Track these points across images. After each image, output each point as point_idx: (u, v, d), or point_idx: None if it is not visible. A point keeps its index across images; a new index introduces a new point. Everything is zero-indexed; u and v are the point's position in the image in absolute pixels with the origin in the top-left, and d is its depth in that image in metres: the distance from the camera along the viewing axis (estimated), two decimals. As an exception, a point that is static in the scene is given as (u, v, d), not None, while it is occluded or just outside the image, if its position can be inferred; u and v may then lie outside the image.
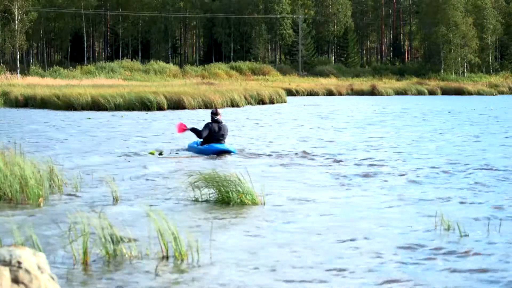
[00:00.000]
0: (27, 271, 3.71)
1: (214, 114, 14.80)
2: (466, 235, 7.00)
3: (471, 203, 8.87)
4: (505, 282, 5.50)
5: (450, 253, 6.37)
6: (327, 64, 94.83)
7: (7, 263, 3.71)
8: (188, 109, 34.35)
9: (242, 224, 7.65)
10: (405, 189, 9.98)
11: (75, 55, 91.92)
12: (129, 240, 6.25)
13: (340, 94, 64.05)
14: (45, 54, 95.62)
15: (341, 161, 13.43)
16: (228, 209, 8.39)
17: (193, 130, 15.02)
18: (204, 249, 6.28)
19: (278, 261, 6.07)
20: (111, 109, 33.47)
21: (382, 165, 12.71)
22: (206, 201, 8.83)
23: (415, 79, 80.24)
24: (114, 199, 8.89)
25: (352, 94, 63.19)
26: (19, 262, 3.73)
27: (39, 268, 3.79)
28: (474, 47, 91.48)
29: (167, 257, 6.11)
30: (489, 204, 8.77)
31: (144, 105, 34.06)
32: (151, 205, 8.25)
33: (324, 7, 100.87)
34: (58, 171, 9.93)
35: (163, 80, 70.78)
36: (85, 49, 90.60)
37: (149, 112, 32.43)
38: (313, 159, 13.77)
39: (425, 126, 23.82)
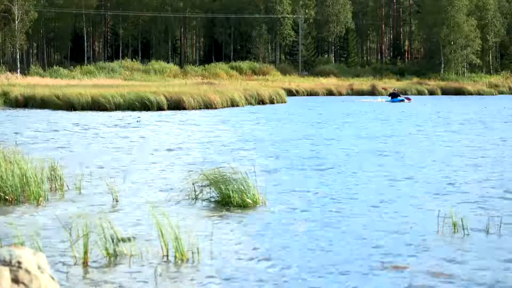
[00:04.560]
0: (27, 271, 3.70)
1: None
2: (467, 235, 7.00)
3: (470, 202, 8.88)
4: (506, 283, 5.49)
5: (451, 253, 6.37)
6: (327, 64, 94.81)
7: (7, 263, 3.70)
8: (188, 109, 34.32)
9: (243, 223, 7.64)
10: (405, 190, 9.99)
11: (75, 55, 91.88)
12: (129, 240, 6.25)
13: (340, 94, 64.01)
14: (45, 54, 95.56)
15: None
16: (228, 209, 8.38)
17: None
18: (204, 249, 6.27)
19: (279, 261, 6.06)
20: (111, 109, 33.45)
21: (382, 166, 12.72)
22: (207, 200, 8.81)
23: (415, 79, 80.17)
24: (114, 199, 8.88)
25: (352, 94, 63.13)
26: (19, 262, 3.72)
27: (39, 268, 3.78)
28: (476, 48, 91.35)
29: (167, 257, 6.11)
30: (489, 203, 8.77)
31: (144, 105, 34.02)
32: (151, 205, 8.24)
33: (324, 7, 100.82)
34: (59, 171, 9.92)
35: (163, 80, 70.67)
36: (85, 49, 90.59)
37: (148, 112, 32.42)
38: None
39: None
